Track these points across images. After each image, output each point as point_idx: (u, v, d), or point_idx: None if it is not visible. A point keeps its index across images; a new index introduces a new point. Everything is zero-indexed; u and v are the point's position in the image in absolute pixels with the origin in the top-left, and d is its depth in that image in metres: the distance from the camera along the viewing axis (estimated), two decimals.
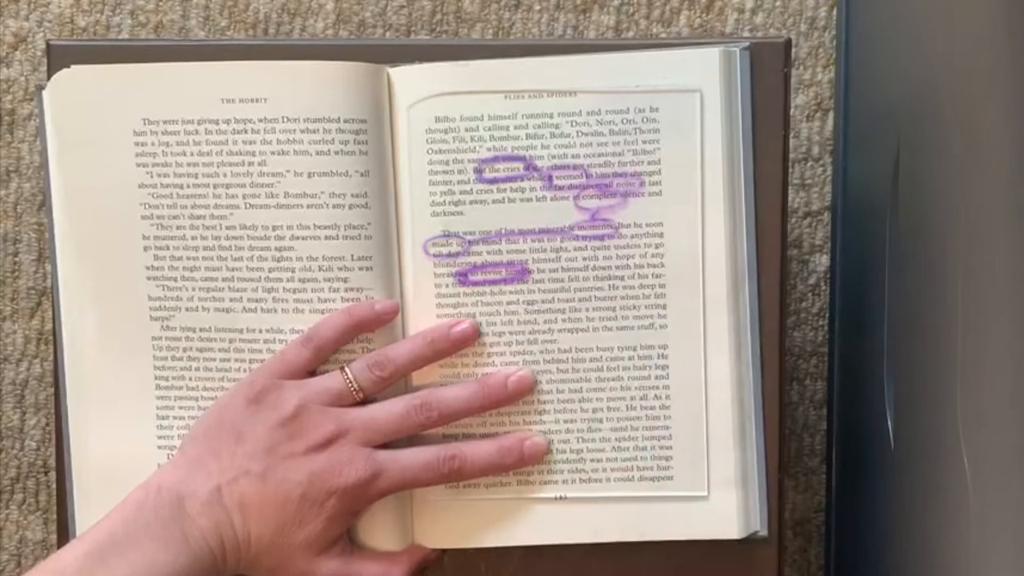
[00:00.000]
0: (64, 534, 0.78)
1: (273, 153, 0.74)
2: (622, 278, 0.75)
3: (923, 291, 0.71)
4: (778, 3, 0.95)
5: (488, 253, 0.75)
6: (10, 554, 0.98)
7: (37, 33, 0.96)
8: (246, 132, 0.74)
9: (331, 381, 0.74)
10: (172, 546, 0.70)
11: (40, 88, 0.77)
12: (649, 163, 0.74)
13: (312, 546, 0.72)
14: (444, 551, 0.78)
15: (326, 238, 0.74)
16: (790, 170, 0.93)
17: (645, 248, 0.75)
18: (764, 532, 0.76)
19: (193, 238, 0.75)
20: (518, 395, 0.75)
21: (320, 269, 0.74)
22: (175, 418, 0.77)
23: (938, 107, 0.70)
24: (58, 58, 0.77)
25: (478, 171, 0.75)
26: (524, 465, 0.76)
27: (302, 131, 0.74)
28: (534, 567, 0.78)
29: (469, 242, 0.75)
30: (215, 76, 0.75)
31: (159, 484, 0.72)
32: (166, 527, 0.70)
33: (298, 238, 0.74)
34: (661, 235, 0.74)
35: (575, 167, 0.74)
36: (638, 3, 0.95)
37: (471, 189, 0.75)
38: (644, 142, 0.74)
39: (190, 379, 0.77)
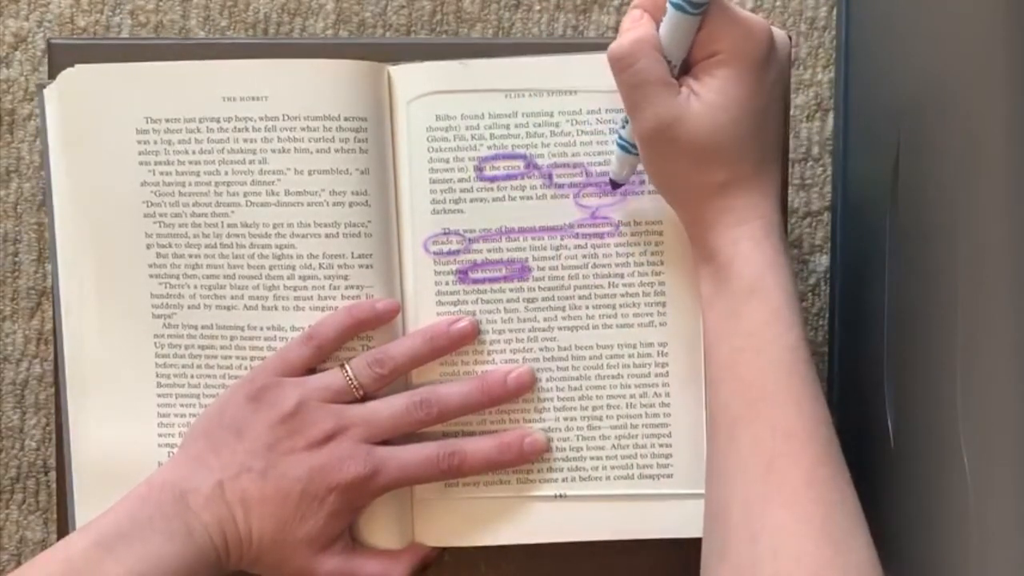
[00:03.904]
0: (64, 534, 0.78)
1: (274, 151, 0.74)
2: (622, 276, 0.75)
3: (923, 291, 0.71)
4: (778, 3, 0.95)
5: (488, 251, 0.75)
6: (10, 554, 0.98)
7: (37, 33, 0.96)
8: (247, 130, 0.74)
9: (331, 378, 0.74)
10: (177, 538, 0.70)
11: (41, 87, 0.77)
12: None
13: (313, 543, 0.73)
14: (444, 549, 0.78)
15: (326, 236, 0.74)
16: (790, 170, 0.93)
17: (645, 246, 0.75)
18: None
19: (195, 236, 0.76)
20: (518, 392, 0.75)
21: (320, 267, 0.75)
22: (176, 416, 0.77)
23: (938, 107, 0.70)
24: (59, 57, 0.77)
25: (478, 169, 0.75)
26: (524, 462, 0.76)
27: (302, 129, 0.74)
28: (533, 565, 0.78)
29: (469, 240, 0.75)
30: (216, 74, 0.75)
31: (162, 481, 0.72)
32: (170, 521, 0.70)
33: (299, 236, 0.74)
34: (661, 233, 0.75)
35: (575, 165, 0.75)
36: None
37: (471, 187, 0.75)
38: None
39: (191, 377, 0.77)
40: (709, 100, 0.67)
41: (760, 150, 0.69)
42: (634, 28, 0.68)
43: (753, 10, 0.95)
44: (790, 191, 0.93)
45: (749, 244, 0.68)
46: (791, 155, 0.93)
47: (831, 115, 0.95)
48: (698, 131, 0.67)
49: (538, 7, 0.95)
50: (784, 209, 0.76)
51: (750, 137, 0.68)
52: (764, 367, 0.67)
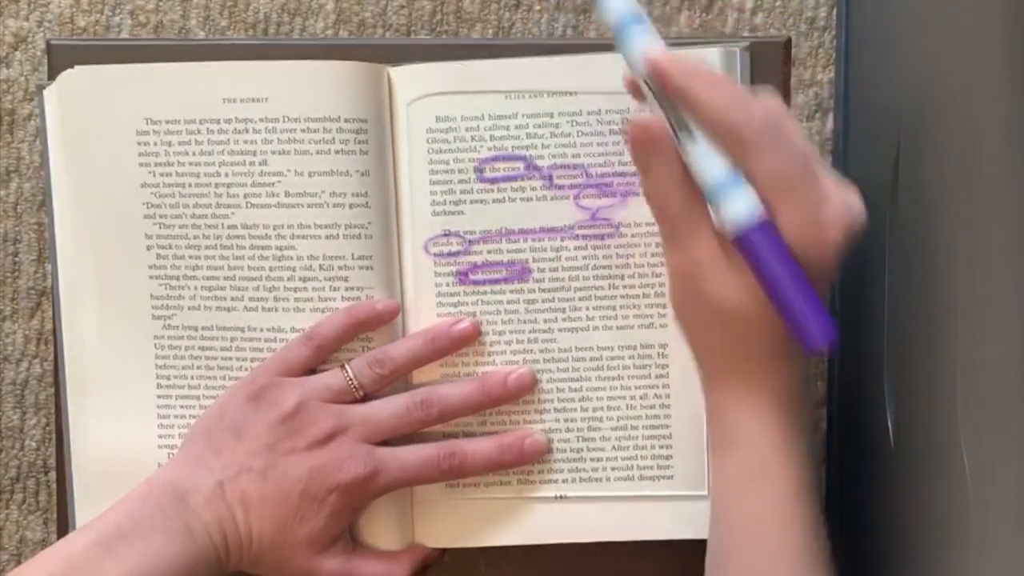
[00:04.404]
0: (64, 534, 0.78)
1: (274, 152, 0.74)
2: (622, 277, 0.75)
3: (923, 291, 0.71)
4: (778, 3, 0.95)
5: (488, 252, 0.75)
6: (10, 554, 0.98)
7: (37, 33, 0.96)
8: (247, 131, 0.74)
9: (331, 378, 0.74)
10: (177, 538, 0.70)
11: (41, 88, 0.77)
12: None
13: (314, 543, 0.73)
14: (444, 550, 0.78)
15: (326, 237, 0.74)
16: None
17: (645, 247, 0.75)
18: None
19: (195, 237, 0.76)
20: (518, 393, 0.75)
21: (320, 268, 0.75)
22: (176, 417, 0.77)
23: (938, 107, 0.70)
24: (58, 58, 0.77)
25: (479, 170, 0.75)
26: (524, 463, 0.76)
27: (303, 130, 0.74)
28: (534, 566, 0.78)
29: (469, 241, 0.75)
30: (216, 76, 0.75)
31: (162, 480, 0.72)
32: (170, 520, 0.70)
33: (299, 237, 0.74)
34: None
35: (575, 166, 0.75)
36: (638, 3, 0.95)
37: (471, 188, 0.75)
38: None
39: (191, 378, 0.77)
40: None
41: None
42: (668, 184, 0.62)
43: (753, 10, 0.95)
44: None
45: (754, 425, 0.65)
46: None
47: (831, 115, 0.95)
48: (727, 291, 0.63)
49: (538, 7, 0.95)
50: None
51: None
52: (767, 550, 0.66)
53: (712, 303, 0.63)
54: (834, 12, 0.95)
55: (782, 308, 0.61)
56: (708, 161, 0.61)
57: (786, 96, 0.77)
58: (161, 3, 0.96)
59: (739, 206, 0.60)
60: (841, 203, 0.62)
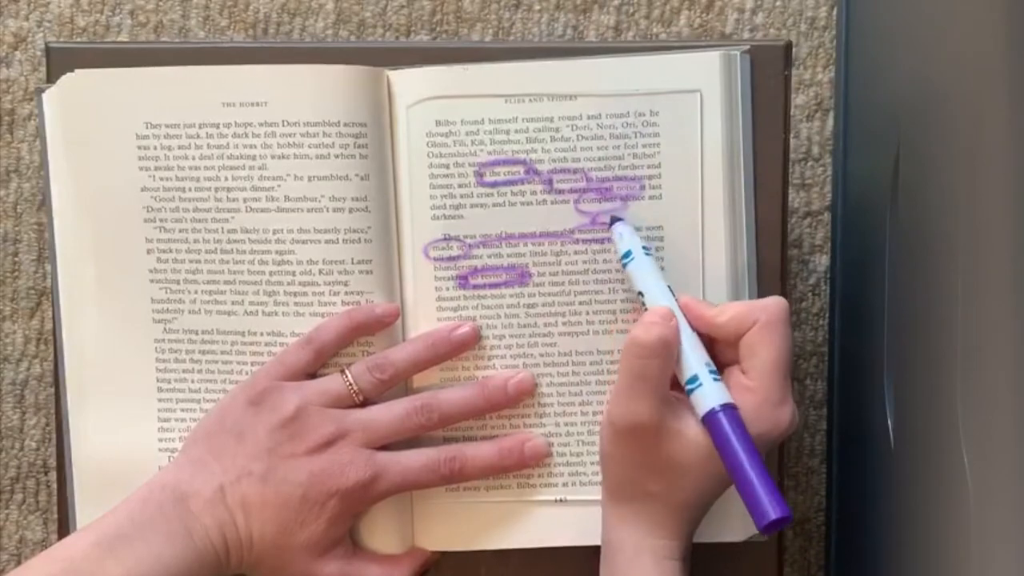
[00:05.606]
0: (64, 534, 0.78)
1: (273, 157, 0.74)
2: (622, 281, 0.75)
3: (923, 290, 0.71)
4: (778, 3, 0.95)
5: (488, 256, 0.75)
6: (10, 554, 0.98)
7: (37, 33, 0.96)
8: (247, 136, 0.74)
9: (331, 383, 0.74)
10: (177, 541, 0.70)
11: (40, 90, 0.77)
12: (649, 167, 0.74)
13: (314, 548, 0.73)
14: (444, 553, 0.78)
15: (326, 242, 0.74)
16: (790, 170, 0.93)
17: None
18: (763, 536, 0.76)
19: (195, 241, 0.75)
20: (518, 398, 0.75)
21: (320, 273, 0.74)
22: (176, 420, 0.77)
23: (938, 107, 0.70)
24: (57, 60, 0.77)
25: (479, 174, 0.75)
26: (524, 466, 0.76)
27: (302, 135, 0.74)
28: (533, 570, 0.78)
29: (469, 245, 0.75)
30: (216, 80, 0.75)
31: (163, 482, 0.72)
32: (171, 523, 0.70)
33: (298, 242, 0.74)
34: (661, 238, 0.74)
35: (575, 170, 0.74)
36: (638, 3, 0.95)
37: (472, 192, 0.75)
38: (644, 146, 0.74)
39: (192, 381, 0.77)
40: (692, 436, 0.69)
41: (711, 491, 0.71)
42: (664, 326, 0.69)
43: (754, 10, 0.95)
44: (790, 191, 0.93)
45: (650, 560, 0.70)
46: (791, 155, 0.93)
47: (831, 115, 0.95)
48: (666, 448, 0.69)
49: (538, 7, 0.95)
50: (784, 210, 0.76)
51: (707, 478, 0.70)
52: None
53: (654, 454, 0.69)
54: (834, 12, 0.95)
55: (740, 483, 0.67)
56: (694, 354, 0.70)
57: (786, 98, 0.77)
58: (161, 3, 0.96)
59: (713, 391, 0.69)
60: (793, 407, 0.72)
